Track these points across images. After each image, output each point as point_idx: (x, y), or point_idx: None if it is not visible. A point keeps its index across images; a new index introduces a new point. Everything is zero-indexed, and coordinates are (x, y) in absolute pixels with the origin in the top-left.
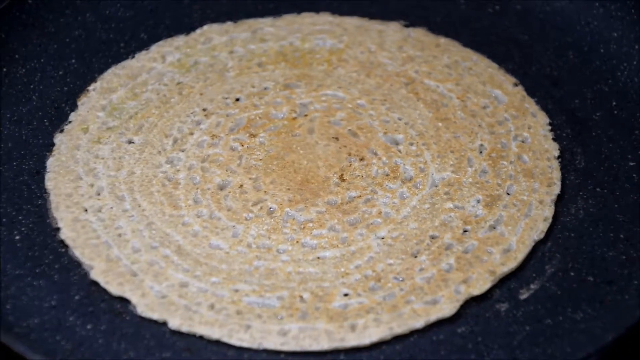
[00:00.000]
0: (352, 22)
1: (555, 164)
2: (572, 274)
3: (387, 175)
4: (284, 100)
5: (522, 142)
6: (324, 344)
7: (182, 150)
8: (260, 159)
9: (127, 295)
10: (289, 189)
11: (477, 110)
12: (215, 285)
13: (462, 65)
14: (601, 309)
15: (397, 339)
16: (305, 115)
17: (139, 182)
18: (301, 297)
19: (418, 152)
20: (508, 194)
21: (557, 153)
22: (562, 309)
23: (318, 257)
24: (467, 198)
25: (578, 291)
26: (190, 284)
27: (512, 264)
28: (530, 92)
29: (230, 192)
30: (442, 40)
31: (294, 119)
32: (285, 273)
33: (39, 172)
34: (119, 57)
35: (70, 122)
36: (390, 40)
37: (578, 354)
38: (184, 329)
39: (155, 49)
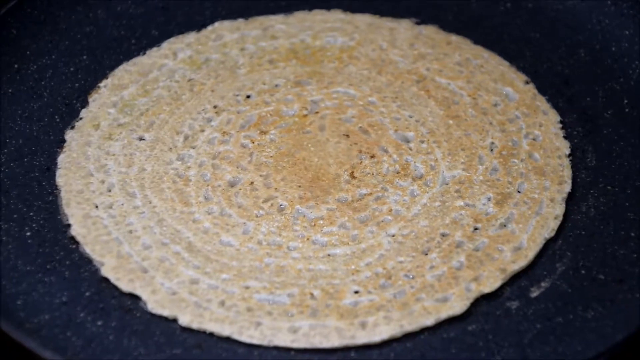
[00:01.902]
0: (363, 20)
1: (566, 162)
2: (582, 272)
3: (398, 172)
4: (294, 97)
5: (533, 140)
6: (334, 342)
7: (193, 147)
8: (271, 156)
9: (138, 291)
10: (299, 186)
11: (488, 108)
12: (226, 282)
13: (473, 63)
14: (612, 307)
15: (408, 336)
16: (316, 113)
17: (150, 178)
18: (312, 294)
19: (429, 149)
20: (519, 192)
21: (568, 151)
22: (573, 307)
23: (328, 255)
24: (478, 196)
25: (589, 289)
26: (200, 281)
27: (522, 262)
28: (542, 90)
29: (240, 189)
30: (454, 37)
31: (305, 116)
32: (295, 270)
33: (50, 168)
34: (130, 53)
35: (81, 118)
36: (402, 38)
37: (588, 352)
38: (195, 325)
39: (167, 45)
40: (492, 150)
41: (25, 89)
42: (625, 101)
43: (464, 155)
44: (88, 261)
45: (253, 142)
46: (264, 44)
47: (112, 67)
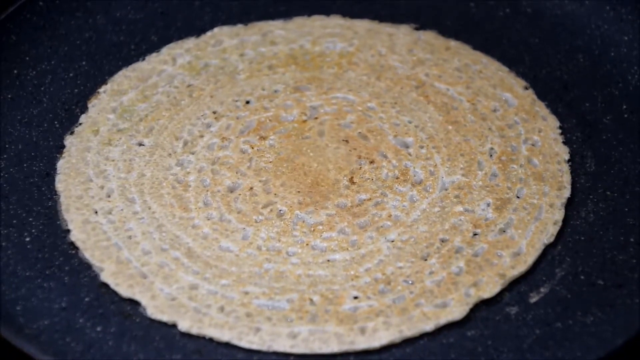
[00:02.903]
0: (362, 25)
1: (566, 168)
2: (582, 277)
3: (397, 178)
4: (294, 102)
5: (532, 145)
6: (333, 347)
7: (192, 153)
8: (270, 162)
9: (137, 297)
10: (298, 192)
11: (487, 114)
12: (225, 287)
13: (472, 69)
14: (611, 312)
15: (407, 342)
16: (316, 118)
17: (149, 184)
18: (311, 299)
19: (428, 155)
20: (518, 197)
21: (567, 156)
22: (572, 312)
23: (328, 260)
24: (477, 201)
25: (588, 295)
26: (200, 286)
27: (522, 268)
28: (541, 95)
29: (240, 194)
30: (453, 43)
31: (304, 121)
32: (295, 276)
33: (49, 174)
34: (129, 59)
35: (80, 124)
36: (401, 43)
37: (588, 357)
38: (194, 331)
39: (166, 51)
40: (491, 155)
41: (25, 94)
42: (625, 106)
43: (463, 160)
44: (87, 267)
45: (252, 148)
46: (263, 49)
47: (112, 73)
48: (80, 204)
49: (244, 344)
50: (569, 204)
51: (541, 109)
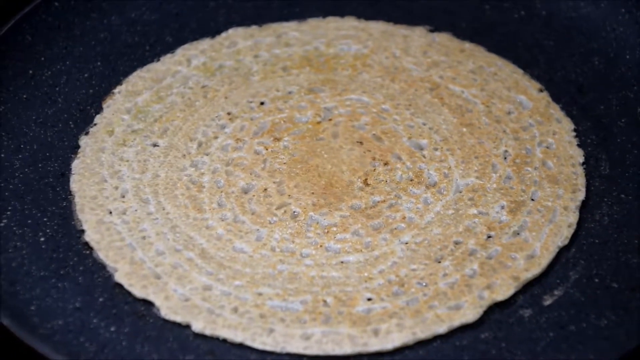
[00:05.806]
0: (377, 27)
1: (580, 170)
2: (596, 280)
3: (411, 180)
4: (308, 104)
5: (547, 148)
6: (346, 349)
7: (207, 154)
8: (285, 163)
9: (151, 297)
10: (312, 193)
11: (501, 116)
12: (239, 288)
13: (486, 71)
14: (625, 315)
15: (420, 344)
16: (330, 120)
17: (164, 185)
18: (324, 301)
19: (442, 157)
20: (532, 200)
21: (581, 159)
22: (586, 315)
23: (341, 262)
24: (491, 204)
25: (602, 298)
26: (213, 287)
27: (536, 270)
28: (555, 98)
29: (254, 195)
30: (467, 45)
31: (319, 123)
32: (308, 277)
33: (64, 174)
34: (144, 60)
35: (95, 124)
36: (415, 46)
37: None
38: (207, 332)
39: (181, 52)
40: (505, 158)
41: (40, 94)
42: (639, 109)
43: (478, 163)
44: (102, 267)
45: (266, 149)
46: (277, 51)
47: (126, 74)
48: (95, 205)
49: (257, 345)
50: (583, 207)
51: (556, 111)
